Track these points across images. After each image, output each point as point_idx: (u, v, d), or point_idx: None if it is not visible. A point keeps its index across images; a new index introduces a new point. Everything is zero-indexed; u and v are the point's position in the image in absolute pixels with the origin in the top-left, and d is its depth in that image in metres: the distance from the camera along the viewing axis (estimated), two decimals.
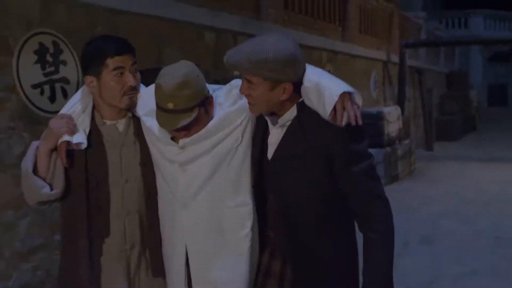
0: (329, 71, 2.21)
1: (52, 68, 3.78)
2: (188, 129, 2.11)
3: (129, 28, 4.44)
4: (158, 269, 2.33)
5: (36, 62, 3.67)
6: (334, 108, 1.96)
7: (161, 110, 2.08)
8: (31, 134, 3.63)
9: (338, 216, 2.17)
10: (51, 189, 2.20)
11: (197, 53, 5.41)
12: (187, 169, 2.18)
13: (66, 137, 2.18)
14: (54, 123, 2.22)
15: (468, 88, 23.12)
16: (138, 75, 2.31)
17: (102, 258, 2.29)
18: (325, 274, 2.18)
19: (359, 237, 2.14)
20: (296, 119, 2.09)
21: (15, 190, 3.55)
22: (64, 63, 3.87)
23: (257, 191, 2.25)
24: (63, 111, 2.30)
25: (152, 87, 2.22)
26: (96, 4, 4.13)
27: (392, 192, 7.54)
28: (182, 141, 2.16)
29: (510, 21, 29.53)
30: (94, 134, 2.26)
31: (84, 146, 2.22)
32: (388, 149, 9.92)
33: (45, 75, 3.73)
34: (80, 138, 2.21)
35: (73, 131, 2.20)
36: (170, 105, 2.04)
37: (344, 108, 1.96)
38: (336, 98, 1.96)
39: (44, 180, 2.19)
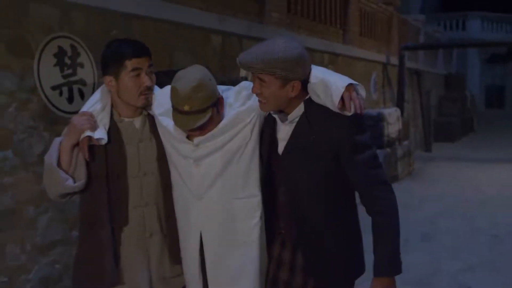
0: None
1: (70, 71, 3.95)
2: (202, 129, 2.30)
3: (142, 31, 4.62)
4: (178, 256, 2.52)
5: (55, 65, 3.83)
6: (341, 99, 2.16)
7: (177, 112, 2.27)
8: (50, 134, 3.80)
9: (344, 205, 2.36)
10: (74, 182, 2.38)
11: (204, 55, 5.59)
12: (201, 164, 2.38)
13: (88, 133, 2.36)
14: (76, 120, 2.40)
15: (466, 90, 23.32)
16: (154, 76, 2.50)
17: (121, 246, 2.47)
18: (333, 260, 2.36)
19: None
20: (304, 115, 2.28)
21: (36, 187, 3.73)
22: (81, 65, 4.04)
23: (267, 184, 2.43)
24: (84, 109, 2.49)
25: (166, 88, 2.42)
26: (111, 9, 4.30)
27: None
28: (196, 139, 2.35)
29: (507, 23, 29.71)
30: (113, 131, 2.45)
31: (104, 141, 2.40)
32: (388, 150, 10.10)
33: (64, 77, 3.90)
34: (100, 134, 2.39)
35: (94, 127, 2.39)
36: (186, 107, 2.23)
37: (350, 98, 2.15)
38: (342, 90, 2.15)
39: (67, 173, 2.37)
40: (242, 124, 2.36)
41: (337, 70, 9.50)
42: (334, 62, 9.49)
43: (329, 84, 2.19)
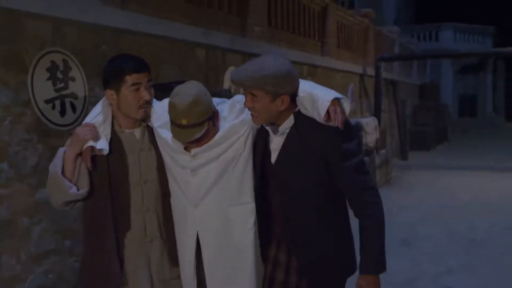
0: None
1: (62, 84, 4.05)
2: (199, 141, 2.46)
3: (131, 46, 4.74)
4: (176, 259, 2.66)
5: (48, 79, 3.92)
6: (327, 112, 2.32)
7: (175, 126, 2.42)
8: (44, 146, 3.91)
9: (335, 209, 2.52)
10: (77, 190, 2.50)
11: (189, 68, 5.72)
12: (197, 174, 2.53)
13: (90, 143, 2.49)
14: (80, 130, 2.53)
15: (440, 99, 23.76)
16: (153, 90, 2.64)
17: (124, 250, 2.60)
18: (326, 262, 2.51)
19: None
20: (294, 127, 2.45)
21: (31, 198, 3.83)
22: (73, 79, 4.14)
23: (262, 192, 2.59)
24: (87, 120, 2.64)
25: (164, 102, 2.58)
26: (101, 24, 4.42)
27: None
28: (193, 151, 2.51)
29: (479, 34, 30.37)
30: (114, 141, 2.59)
31: (106, 152, 2.53)
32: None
33: (56, 90, 4.00)
34: (102, 145, 2.53)
35: (96, 137, 2.52)
36: (184, 121, 2.38)
37: (335, 112, 2.31)
38: (328, 103, 2.32)
39: (70, 181, 2.49)
40: (236, 136, 2.51)
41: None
42: (313, 74, 9.68)
43: (316, 97, 2.35)
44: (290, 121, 2.45)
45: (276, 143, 2.50)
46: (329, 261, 2.52)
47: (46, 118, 3.91)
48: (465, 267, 5.99)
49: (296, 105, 2.43)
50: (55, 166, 2.49)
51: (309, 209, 2.49)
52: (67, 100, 4.10)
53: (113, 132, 2.61)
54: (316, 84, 2.47)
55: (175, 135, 2.43)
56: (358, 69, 12.65)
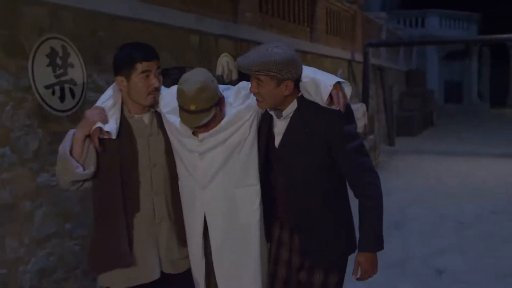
0: None
1: (62, 70, 4.09)
2: (207, 126, 2.55)
3: (127, 32, 4.79)
4: (184, 240, 2.76)
5: (48, 65, 3.97)
6: (330, 96, 2.42)
7: (184, 111, 2.51)
8: (44, 131, 3.97)
9: (336, 191, 2.62)
10: (83, 170, 2.60)
11: (184, 54, 5.78)
12: (205, 157, 2.62)
13: (99, 124, 2.58)
14: (89, 113, 2.63)
15: (426, 85, 23.96)
16: (161, 77, 2.73)
17: (134, 231, 2.69)
18: (327, 242, 2.62)
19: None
20: (297, 111, 2.55)
21: (32, 182, 3.89)
22: (72, 65, 4.18)
23: (267, 174, 2.69)
24: (97, 104, 2.72)
25: (172, 89, 2.68)
26: (98, 11, 4.46)
27: None
28: (201, 135, 2.60)
29: (464, 20, 30.58)
30: (124, 126, 2.68)
31: (114, 135, 2.62)
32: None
33: (56, 76, 4.04)
34: (111, 128, 2.62)
35: (105, 120, 2.62)
36: (192, 107, 2.47)
37: (337, 95, 2.41)
38: (330, 88, 2.42)
39: (78, 162, 2.59)
40: (242, 121, 2.60)
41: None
42: (303, 60, 9.69)
43: (318, 82, 2.45)
44: (293, 106, 2.54)
45: (280, 127, 2.60)
46: (331, 241, 2.62)
47: (46, 103, 3.96)
48: (454, 248, 6.16)
49: (299, 90, 2.52)
50: (64, 146, 2.60)
51: (311, 192, 2.58)
52: (67, 86, 4.15)
53: (123, 117, 2.70)
54: (318, 70, 2.57)
55: (184, 120, 2.52)
56: (346, 55, 12.75)
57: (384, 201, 2.57)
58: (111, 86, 2.78)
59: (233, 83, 3.51)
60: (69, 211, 4.20)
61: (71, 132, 2.65)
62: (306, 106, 2.52)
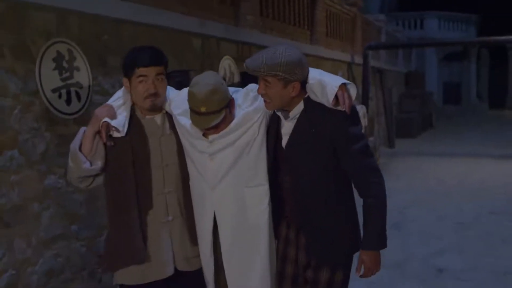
0: None
1: (68, 74, 4.16)
2: (217, 127, 2.63)
3: (131, 36, 4.87)
4: (196, 238, 2.84)
5: (54, 69, 4.04)
6: (336, 97, 2.49)
7: (195, 113, 2.58)
8: (51, 134, 4.04)
9: (342, 191, 2.69)
10: (91, 165, 2.69)
11: (186, 57, 5.85)
12: (215, 158, 2.70)
13: (106, 119, 2.68)
14: (98, 110, 2.74)
15: (425, 87, 24.02)
16: (164, 83, 2.80)
17: (148, 228, 2.77)
18: (333, 241, 2.68)
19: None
20: (303, 112, 2.62)
21: (40, 184, 3.95)
22: (78, 69, 4.25)
23: (274, 174, 2.76)
24: (108, 102, 2.83)
25: (183, 91, 2.75)
26: (103, 15, 4.53)
27: None
28: (211, 137, 2.67)
29: (463, 22, 30.68)
30: (136, 125, 2.77)
31: (122, 131, 2.70)
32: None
33: (62, 80, 4.11)
34: (117, 123, 2.71)
35: (113, 116, 2.72)
36: (203, 109, 2.55)
37: (343, 96, 2.49)
38: (336, 89, 2.49)
39: (86, 158, 2.68)
40: (251, 122, 2.68)
41: None
42: None
43: (324, 84, 2.52)
44: (300, 107, 2.61)
45: (287, 128, 2.67)
46: (336, 240, 2.68)
47: (53, 106, 4.02)
48: (454, 248, 6.23)
49: (306, 92, 2.59)
50: (74, 143, 2.71)
51: (317, 192, 2.65)
52: (73, 89, 4.21)
53: (136, 117, 2.79)
54: (324, 72, 2.64)
55: (194, 122, 2.59)
56: (346, 57, 12.82)
57: (387, 203, 2.64)
58: (122, 88, 2.88)
59: (235, 85, 3.57)
60: (76, 213, 4.27)
61: (82, 129, 2.76)
62: (313, 107, 2.58)
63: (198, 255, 2.85)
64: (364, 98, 13.35)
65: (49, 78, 4.00)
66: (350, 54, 13.11)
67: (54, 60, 4.04)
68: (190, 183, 2.82)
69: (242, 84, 2.90)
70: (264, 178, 2.74)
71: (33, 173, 3.90)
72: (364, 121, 11.36)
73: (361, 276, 2.68)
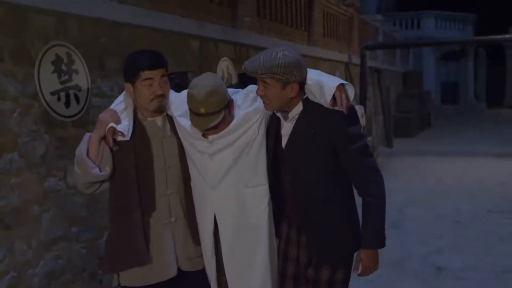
0: None
1: (67, 77, 4.18)
2: (216, 128, 2.65)
3: (130, 38, 4.89)
4: (198, 238, 2.86)
5: (53, 72, 4.06)
6: (333, 97, 2.52)
7: (194, 114, 2.61)
8: (51, 136, 4.06)
9: (341, 190, 2.71)
10: (100, 171, 2.70)
11: (184, 59, 5.88)
12: (215, 158, 2.72)
13: (112, 124, 2.70)
14: (102, 115, 2.75)
15: (423, 87, 24.07)
16: (168, 84, 2.83)
17: (150, 230, 2.79)
18: (333, 240, 2.70)
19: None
20: (302, 113, 2.64)
21: (40, 187, 3.97)
22: (76, 71, 4.27)
23: (275, 174, 2.78)
24: (111, 107, 2.84)
25: (183, 93, 2.78)
26: (102, 18, 4.55)
27: None
28: (211, 137, 2.70)
29: (460, 21, 30.70)
30: (139, 128, 2.79)
31: (127, 135, 2.72)
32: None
33: (61, 83, 4.13)
34: (122, 128, 2.73)
35: (118, 121, 2.74)
36: (202, 110, 2.57)
37: (341, 97, 2.51)
38: (334, 89, 2.51)
39: (93, 163, 2.69)
40: (250, 123, 2.71)
41: None
42: None
43: (322, 84, 2.54)
44: (299, 108, 2.64)
45: (286, 128, 2.70)
46: (337, 240, 2.71)
47: (52, 109, 4.04)
48: (452, 247, 6.26)
49: (304, 93, 2.62)
50: (81, 148, 2.71)
51: (317, 192, 2.67)
52: (72, 92, 4.23)
53: (137, 120, 2.82)
54: (322, 73, 2.66)
55: (194, 123, 2.62)
56: (343, 57, 12.85)
57: (386, 202, 2.66)
58: (123, 92, 2.90)
59: (233, 87, 3.61)
60: (76, 215, 4.29)
61: (87, 135, 2.77)
62: (311, 108, 2.61)
63: (201, 255, 2.88)
64: (362, 98, 13.38)
65: (48, 81, 4.01)
66: (347, 55, 13.15)
67: (53, 63, 4.06)
68: (192, 184, 2.85)
69: (240, 85, 2.93)
70: (264, 178, 2.77)
71: (33, 176, 3.92)
72: (362, 121, 11.38)
73: (359, 275, 2.70)
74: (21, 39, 3.83)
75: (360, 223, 2.75)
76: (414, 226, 7.22)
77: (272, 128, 2.75)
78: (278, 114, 2.71)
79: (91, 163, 2.66)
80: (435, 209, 8.15)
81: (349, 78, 13.33)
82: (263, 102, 2.63)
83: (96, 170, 2.67)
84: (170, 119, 2.86)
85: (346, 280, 2.76)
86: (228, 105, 2.66)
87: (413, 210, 8.10)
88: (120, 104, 2.83)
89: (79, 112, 4.30)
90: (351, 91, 2.57)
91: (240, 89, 2.87)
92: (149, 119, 2.83)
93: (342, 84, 2.55)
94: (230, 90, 2.78)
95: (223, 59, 6.61)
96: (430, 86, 28.40)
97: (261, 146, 2.75)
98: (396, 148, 15.84)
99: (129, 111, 2.79)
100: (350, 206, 2.74)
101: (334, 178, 2.66)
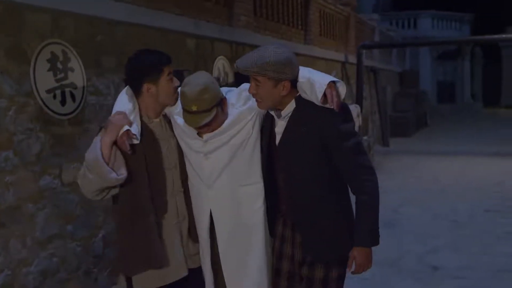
0: None
1: (62, 75, 4.17)
2: (209, 125, 2.65)
3: (125, 36, 4.88)
4: (197, 235, 2.87)
5: (49, 70, 4.05)
6: (324, 94, 2.51)
7: (187, 112, 2.61)
8: (46, 134, 4.04)
9: (336, 187, 2.70)
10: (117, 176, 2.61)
11: (180, 58, 5.87)
12: (210, 157, 2.73)
13: (127, 127, 2.64)
14: (115, 118, 2.67)
15: (419, 86, 24.11)
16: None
17: (162, 231, 2.78)
18: (328, 238, 2.69)
19: None
20: (295, 111, 2.64)
21: (34, 185, 3.96)
22: (72, 69, 4.26)
23: (269, 172, 2.78)
24: (117, 109, 2.76)
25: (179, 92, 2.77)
26: (98, 16, 4.54)
27: None
28: (206, 136, 2.70)
29: (456, 21, 30.77)
30: (146, 130, 2.77)
31: (138, 139, 2.67)
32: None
33: (57, 81, 4.12)
34: (135, 130, 2.69)
35: (130, 123, 2.68)
36: (194, 108, 2.58)
37: (331, 94, 2.51)
38: (325, 87, 2.51)
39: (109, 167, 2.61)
40: (244, 121, 2.71)
41: None
42: None
43: (313, 82, 2.55)
44: (291, 106, 2.64)
45: (280, 126, 2.69)
46: (331, 238, 2.70)
47: (48, 107, 4.03)
48: (449, 246, 6.26)
49: (297, 91, 2.61)
50: (95, 152, 2.58)
51: (310, 190, 2.67)
52: (67, 90, 4.22)
53: (143, 122, 2.78)
54: (315, 70, 2.66)
55: (187, 121, 2.62)
56: (340, 57, 12.86)
57: (379, 200, 2.65)
58: (122, 93, 2.84)
59: (229, 86, 3.61)
60: (71, 213, 4.28)
61: (97, 139, 2.65)
62: (304, 106, 2.61)
63: (198, 252, 2.89)
64: (359, 97, 13.39)
65: (44, 79, 4.00)
66: (344, 54, 13.15)
67: (48, 61, 4.05)
68: (189, 183, 2.86)
69: (236, 84, 2.93)
70: (259, 176, 2.77)
71: (28, 174, 3.90)
72: (358, 120, 11.38)
73: (352, 273, 2.70)
74: (17, 37, 3.82)
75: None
76: (410, 225, 7.22)
77: (267, 126, 2.76)
78: (272, 113, 2.71)
79: (108, 168, 2.57)
80: (432, 208, 8.16)
81: (345, 77, 13.34)
82: (256, 100, 2.63)
83: (114, 175, 2.58)
84: (167, 120, 2.86)
85: (341, 278, 2.75)
86: (221, 103, 2.66)
87: (409, 210, 8.10)
88: (126, 105, 2.75)
89: (74, 110, 4.29)
90: (342, 89, 2.57)
91: (233, 88, 2.87)
92: (154, 120, 2.82)
93: (333, 82, 2.54)
94: (224, 89, 2.78)
95: (219, 58, 6.60)
96: (426, 85, 28.46)
97: (255, 145, 2.76)
98: (392, 148, 15.85)
99: (136, 112, 2.75)
100: (345, 204, 2.73)
101: (328, 176, 2.66)
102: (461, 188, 9.67)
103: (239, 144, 2.71)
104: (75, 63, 4.30)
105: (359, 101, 13.20)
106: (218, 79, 6.62)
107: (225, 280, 2.80)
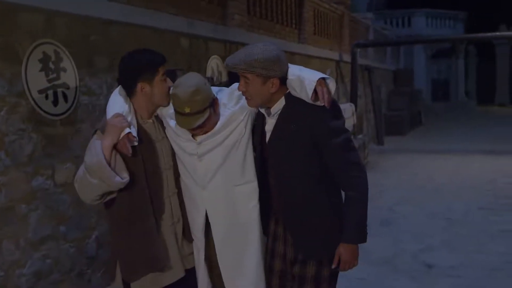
0: None
1: (54, 75, 4.14)
2: (202, 127, 2.64)
3: (119, 36, 4.85)
4: (191, 235, 2.86)
5: (41, 70, 4.02)
6: (315, 91, 2.50)
7: (179, 114, 2.60)
8: (38, 135, 4.02)
9: (326, 184, 2.69)
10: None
11: (174, 57, 5.84)
12: (204, 159, 2.72)
13: (127, 130, 2.60)
14: (115, 121, 2.61)
15: (414, 84, 24.15)
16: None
17: (160, 234, 2.76)
18: (318, 236, 2.69)
19: None
20: (285, 108, 2.64)
21: (27, 185, 3.93)
22: (64, 70, 4.23)
23: (262, 170, 2.78)
24: (111, 112, 2.70)
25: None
26: (91, 16, 4.51)
27: None
28: (199, 138, 2.70)
29: (450, 19, 30.82)
30: (142, 131, 2.74)
31: (136, 140, 2.64)
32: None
33: (49, 81, 4.09)
34: (134, 132, 2.66)
35: (130, 125, 2.65)
36: (187, 110, 2.56)
37: (322, 90, 2.50)
38: (314, 83, 2.51)
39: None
40: (237, 121, 2.71)
41: None
42: (291, 61, 9.72)
43: (303, 79, 2.54)
44: (281, 103, 2.64)
45: (270, 124, 2.69)
46: (322, 236, 2.69)
47: (40, 108, 4.00)
48: (443, 244, 6.26)
49: (287, 88, 2.61)
50: (97, 156, 2.52)
51: (301, 188, 2.66)
52: (59, 90, 4.19)
53: (138, 123, 2.75)
54: (304, 68, 2.66)
55: (179, 123, 2.61)
56: (334, 55, 12.85)
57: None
58: (115, 94, 2.80)
59: (223, 85, 3.60)
60: (64, 214, 4.25)
61: (97, 142, 2.60)
62: (293, 103, 2.61)
63: (193, 253, 2.88)
64: (353, 96, 13.39)
65: (36, 79, 3.98)
66: (338, 52, 13.14)
67: (40, 61, 4.02)
68: (182, 184, 2.84)
69: (230, 83, 2.92)
70: (253, 174, 2.77)
71: (20, 175, 3.88)
72: (353, 119, 11.39)
73: (339, 270, 2.69)
74: (8, 37, 3.79)
75: None
76: (405, 224, 7.23)
77: (258, 124, 2.76)
78: (262, 110, 2.70)
79: (112, 172, 2.52)
80: (426, 207, 8.17)
81: (339, 76, 13.34)
82: (246, 98, 2.63)
83: (118, 178, 2.53)
84: (160, 120, 2.84)
85: (333, 277, 2.74)
86: (213, 103, 2.66)
87: (404, 208, 8.10)
88: (123, 107, 2.70)
89: (67, 111, 4.26)
90: (332, 85, 2.56)
91: (224, 88, 2.87)
92: (148, 121, 2.79)
93: (323, 78, 2.53)
94: (214, 89, 2.77)
95: (212, 57, 6.59)
96: (421, 84, 28.49)
97: (248, 144, 2.76)
98: (387, 146, 15.87)
99: (133, 114, 2.72)
100: (336, 202, 2.73)
101: (318, 174, 2.65)
102: (455, 187, 9.69)
103: (232, 144, 2.71)
104: (68, 63, 4.28)
105: (353, 99, 13.19)
106: (211, 78, 6.59)
107: (223, 279, 2.80)
